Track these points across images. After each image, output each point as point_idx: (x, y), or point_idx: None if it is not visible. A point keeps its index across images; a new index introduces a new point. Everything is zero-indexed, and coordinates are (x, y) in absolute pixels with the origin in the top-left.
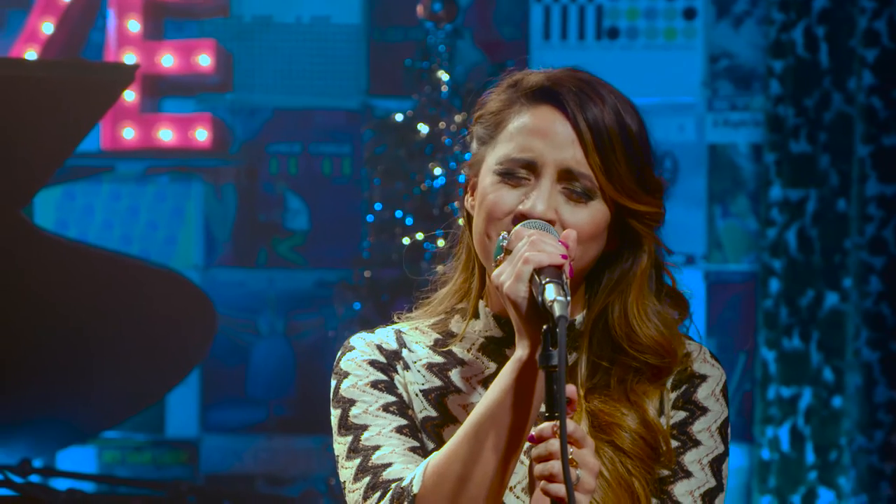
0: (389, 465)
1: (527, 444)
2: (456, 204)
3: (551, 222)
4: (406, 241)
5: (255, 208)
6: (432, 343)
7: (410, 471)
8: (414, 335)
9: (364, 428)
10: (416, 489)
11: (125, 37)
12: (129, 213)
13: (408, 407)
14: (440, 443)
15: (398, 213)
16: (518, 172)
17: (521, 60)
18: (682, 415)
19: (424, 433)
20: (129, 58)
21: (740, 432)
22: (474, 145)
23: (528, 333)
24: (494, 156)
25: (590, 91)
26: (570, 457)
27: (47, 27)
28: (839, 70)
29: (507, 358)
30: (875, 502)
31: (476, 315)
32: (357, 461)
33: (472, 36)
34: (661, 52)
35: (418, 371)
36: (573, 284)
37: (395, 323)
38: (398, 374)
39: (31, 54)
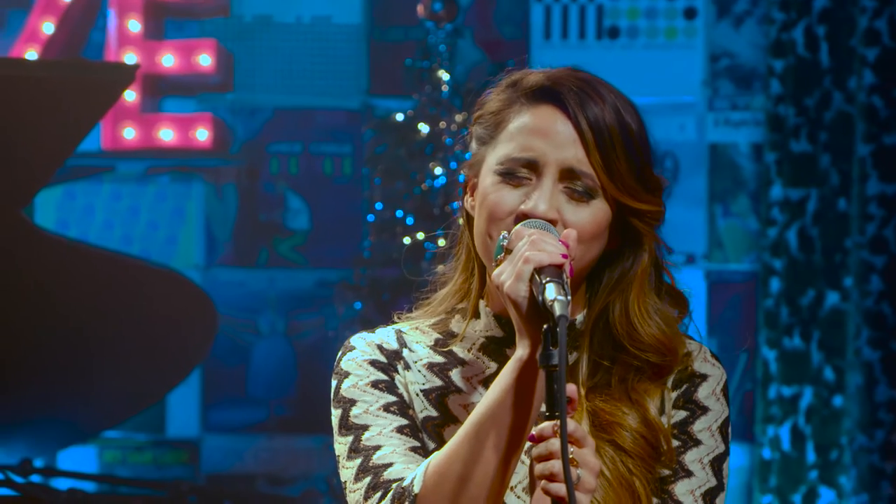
0: (390, 465)
1: (528, 444)
2: (457, 204)
3: (553, 222)
4: (407, 240)
5: (255, 208)
6: (433, 343)
7: (411, 471)
8: (414, 335)
9: (365, 428)
10: (416, 489)
11: (126, 36)
12: (129, 212)
13: (408, 407)
14: (441, 443)
15: (399, 213)
16: (519, 172)
17: (522, 60)
18: (682, 414)
19: (425, 433)
20: (130, 58)
21: (741, 431)
22: (474, 145)
23: (528, 333)
24: (495, 156)
25: (590, 90)
26: (571, 456)
27: (48, 27)
28: (840, 69)
29: (507, 358)
30: (876, 501)
31: (476, 315)
32: (358, 461)
33: (473, 35)
34: (661, 51)
35: (419, 371)
36: (574, 284)
37: (396, 323)
38: (399, 373)
39: (31, 54)
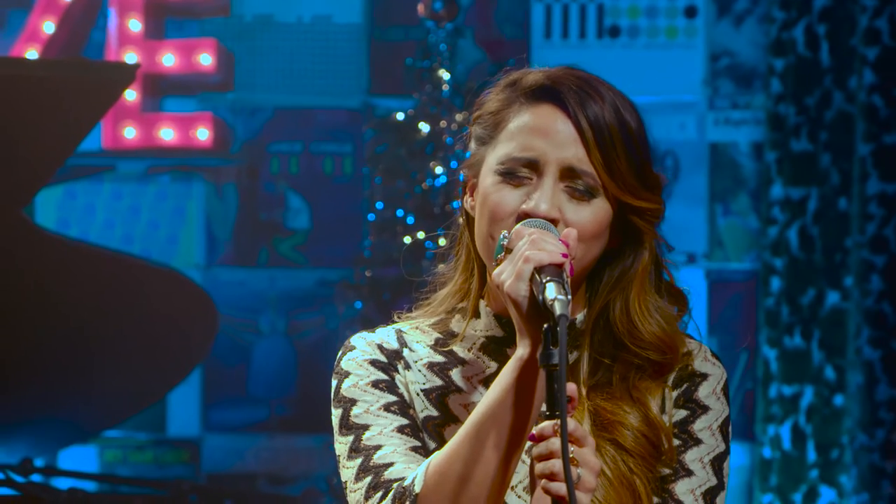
0: (391, 464)
1: (528, 444)
2: (458, 203)
3: (555, 221)
4: (407, 240)
5: (256, 207)
6: (433, 342)
7: (412, 470)
8: (415, 335)
9: (365, 428)
10: (417, 489)
11: (126, 36)
12: (130, 212)
13: (409, 406)
14: (441, 442)
15: (399, 212)
16: (520, 172)
17: (522, 59)
18: (683, 413)
19: (426, 433)
20: (130, 57)
21: (742, 431)
22: (473, 146)
23: (528, 332)
24: (495, 156)
25: (589, 89)
26: (571, 455)
27: (48, 26)
28: (840, 68)
29: (508, 357)
30: (876, 501)
31: (477, 314)
32: (358, 461)
33: (473, 35)
34: (662, 50)
35: (419, 370)
36: (574, 283)
37: (396, 322)
38: (399, 373)
39: (32, 54)
